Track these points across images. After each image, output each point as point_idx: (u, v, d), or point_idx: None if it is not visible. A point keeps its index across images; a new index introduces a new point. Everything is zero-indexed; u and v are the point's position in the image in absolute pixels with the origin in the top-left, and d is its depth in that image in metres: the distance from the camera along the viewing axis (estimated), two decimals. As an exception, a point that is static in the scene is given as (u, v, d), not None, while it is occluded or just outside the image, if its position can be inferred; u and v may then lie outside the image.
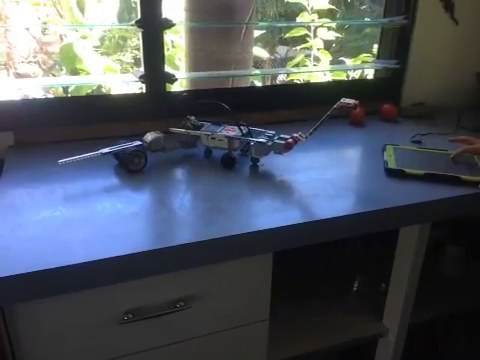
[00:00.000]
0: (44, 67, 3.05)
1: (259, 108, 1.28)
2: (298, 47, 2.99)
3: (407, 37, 1.43)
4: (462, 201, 0.94)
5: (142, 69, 1.18)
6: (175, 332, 0.83)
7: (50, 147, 1.08)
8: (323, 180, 0.96)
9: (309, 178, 0.97)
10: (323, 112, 0.93)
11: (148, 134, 1.02)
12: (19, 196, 0.86)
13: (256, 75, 2.89)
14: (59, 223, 0.77)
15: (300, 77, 2.72)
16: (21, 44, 2.94)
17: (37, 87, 2.45)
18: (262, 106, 1.29)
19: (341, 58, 3.24)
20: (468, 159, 1.06)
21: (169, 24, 1.15)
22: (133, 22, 1.13)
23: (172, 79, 1.21)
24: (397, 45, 1.46)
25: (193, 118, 1.07)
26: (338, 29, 2.98)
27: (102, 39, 3.19)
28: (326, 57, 2.73)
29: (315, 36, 2.70)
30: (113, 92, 2.50)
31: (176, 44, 2.79)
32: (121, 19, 3.06)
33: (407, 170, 0.99)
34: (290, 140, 0.97)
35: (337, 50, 3.70)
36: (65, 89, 2.61)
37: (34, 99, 1.62)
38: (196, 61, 2.12)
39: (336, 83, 1.86)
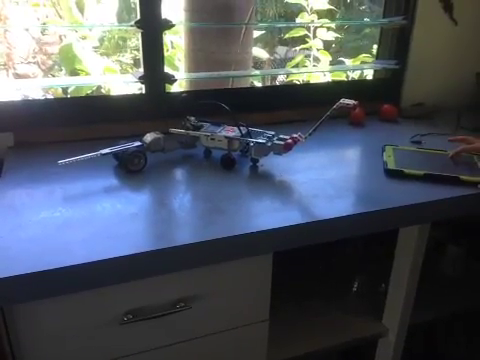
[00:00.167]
0: (43, 67, 3.05)
1: (259, 108, 1.28)
2: (298, 47, 3.00)
3: (406, 37, 1.43)
4: (462, 201, 0.94)
5: (141, 70, 1.18)
6: (175, 332, 0.83)
7: (50, 148, 1.08)
8: (323, 180, 0.96)
9: (309, 178, 0.97)
10: (323, 112, 0.93)
11: (148, 135, 1.02)
12: (19, 197, 0.86)
13: (256, 76, 2.89)
14: (59, 224, 0.77)
15: (299, 77, 2.72)
16: (20, 45, 2.94)
17: (37, 88, 2.45)
18: (262, 106, 1.29)
19: (340, 58, 3.25)
20: (468, 159, 1.07)
21: (169, 25, 1.15)
22: (133, 23, 1.13)
23: (172, 80, 1.21)
24: (396, 45, 1.46)
25: (193, 119, 1.07)
26: (337, 29, 2.98)
27: (101, 40, 3.20)
28: (326, 57, 2.74)
29: (314, 36, 2.71)
30: (113, 93, 2.50)
31: (175, 45, 2.79)
32: (120, 19, 3.07)
33: (407, 170, 0.99)
34: (289, 141, 0.97)
35: (336, 50, 3.70)
36: (65, 90, 2.61)
37: (34, 100, 1.62)
38: (196, 61, 2.12)
39: (336, 83, 1.86)
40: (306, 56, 2.82)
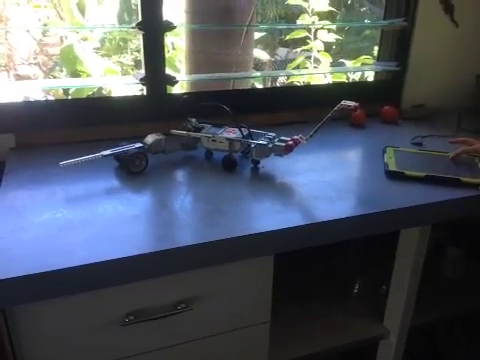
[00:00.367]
0: (44, 69, 3.05)
1: (260, 110, 1.28)
2: (298, 49, 3.00)
3: (407, 39, 1.43)
4: (462, 203, 0.94)
5: (143, 71, 1.18)
6: (176, 334, 0.83)
7: (51, 149, 1.08)
8: (324, 182, 0.96)
9: (310, 180, 0.97)
10: (324, 114, 0.93)
11: (149, 136, 1.03)
12: (20, 198, 0.86)
13: (257, 77, 2.90)
14: (60, 225, 0.77)
15: (300, 79, 2.72)
16: (22, 46, 2.95)
17: (38, 89, 2.46)
18: (263, 108, 1.29)
19: (341, 60, 3.25)
20: (468, 161, 1.07)
21: (170, 26, 1.15)
22: (134, 24, 1.14)
23: (173, 81, 1.21)
24: (397, 47, 1.46)
25: (194, 120, 1.07)
26: (338, 31, 2.99)
27: (102, 41, 3.20)
28: (326, 59, 2.74)
29: (315, 38, 2.71)
30: (114, 94, 2.50)
31: (176, 46, 2.80)
32: (121, 21, 3.07)
33: (407, 172, 0.99)
34: (290, 142, 0.97)
35: (337, 52, 3.71)
36: (66, 91, 2.61)
37: (35, 101, 1.62)
38: (197, 63, 2.12)
39: (336, 85, 1.86)
40: (307, 58, 2.82)
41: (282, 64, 3.88)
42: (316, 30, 2.69)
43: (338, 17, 3.83)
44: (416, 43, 1.43)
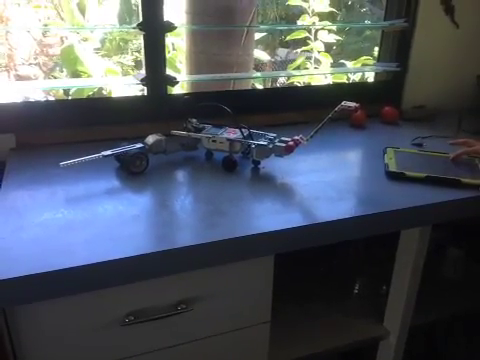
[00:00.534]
0: (45, 69, 3.05)
1: (260, 110, 1.28)
2: (299, 49, 3.00)
3: (408, 40, 1.43)
4: (463, 204, 0.94)
5: (143, 71, 1.19)
6: (176, 334, 0.83)
7: (51, 149, 1.08)
8: (324, 183, 0.96)
9: (310, 181, 0.97)
10: (324, 114, 0.93)
11: (149, 136, 1.03)
12: (21, 198, 0.86)
13: (257, 78, 2.89)
14: (61, 225, 0.77)
15: (301, 80, 2.72)
16: (22, 46, 2.95)
17: (39, 89, 2.46)
18: (263, 108, 1.29)
19: (342, 61, 3.25)
20: (469, 162, 1.07)
21: (171, 27, 1.15)
22: (135, 25, 1.14)
23: (173, 81, 1.21)
24: (398, 48, 1.46)
25: (194, 120, 1.07)
26: (339, 32, 2.99)
27: (103, 41, 3.20)
28: (327, 59, 2.74)
29: (316, 38, 2.71)
30: (114, 94, 2.50)
31: (177, 47, 2.80)
32: (121, 21, 3.07)
33: (408, 173, 0.99)
34: (291, 143, 0.97)
35: (338, 52, 3.71)
36: (66, 91, 2.62)
37: (35, 101, 1.63)
38: (197, 64, 2.12)
39: (337, 86, 1.86)
40: (307, 58, 2.82)
41: (282, 65, 3.88)
42: (316, 31, 2.69)
43: (338, 18, 3.83)
44: (417, 44, 1.43)
